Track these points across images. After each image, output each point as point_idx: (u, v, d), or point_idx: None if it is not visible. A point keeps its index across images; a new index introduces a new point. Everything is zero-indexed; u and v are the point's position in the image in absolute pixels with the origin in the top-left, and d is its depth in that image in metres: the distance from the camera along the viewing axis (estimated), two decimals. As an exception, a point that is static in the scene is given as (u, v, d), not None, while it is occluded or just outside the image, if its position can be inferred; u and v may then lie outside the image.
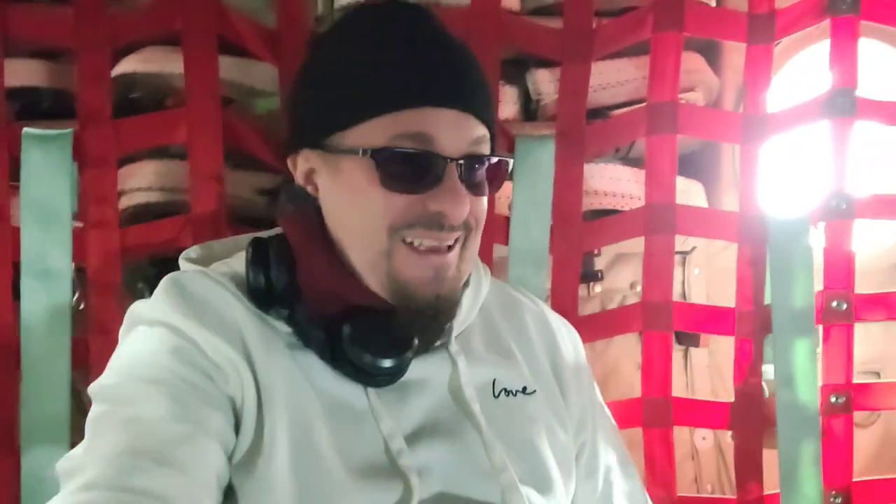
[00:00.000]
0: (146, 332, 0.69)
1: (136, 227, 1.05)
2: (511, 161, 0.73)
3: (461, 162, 0.68)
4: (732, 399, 1.11)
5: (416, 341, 0.70)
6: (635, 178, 1.21)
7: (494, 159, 0.71)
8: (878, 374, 1.26)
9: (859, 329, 1.10)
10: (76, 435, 0.97)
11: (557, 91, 1.12)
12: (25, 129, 0.99)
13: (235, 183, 1.08)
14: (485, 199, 0.72)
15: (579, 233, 1.07)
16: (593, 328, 1.08)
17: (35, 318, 0.98)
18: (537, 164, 1.06)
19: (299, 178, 0.74)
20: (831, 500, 1.09)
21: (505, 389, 0.75)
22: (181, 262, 0.77)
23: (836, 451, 1.10)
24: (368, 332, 0.68)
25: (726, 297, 1.14)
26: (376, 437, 0.69)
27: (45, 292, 0.98)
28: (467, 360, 0.74)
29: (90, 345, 1.01)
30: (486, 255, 1.02)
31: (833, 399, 1.10)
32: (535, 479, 0.74)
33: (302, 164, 0.74)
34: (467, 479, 0.71)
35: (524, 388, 0.76)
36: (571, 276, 1.08)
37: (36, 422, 0.98)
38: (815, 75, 1.14)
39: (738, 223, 1.08)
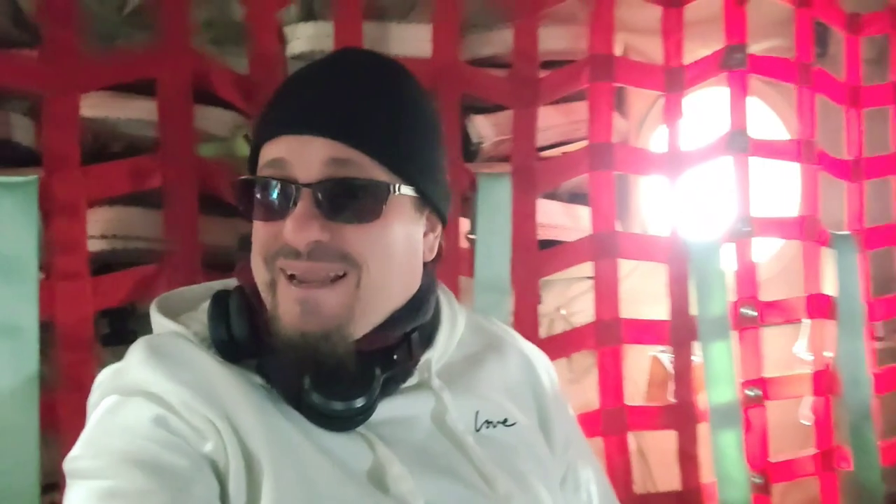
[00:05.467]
0: (120, 402, 0.67)
1: (107, 276, 1.01)
2: (392, 185, 0.69)
3: (315, 186, 0.66)
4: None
5: (378, 379, 0.68)
6: (564, 212, 1.35)
7: (360, 183, 0.67)
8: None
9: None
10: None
11: (496, 134, 1.23)
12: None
13: (210, 230, 1.06)
14: (369, 228, 0.68)
15: (536, 261, 1.18)
16: (554, 348, 1.18)
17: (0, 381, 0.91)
18: (496, 198, 1.15)
19: None
20: (753, 480, 1.27)
21: (487, 421, 0.76)
22: (153, 312, 0.75)
23: (755, 438, 1.28)
24: (327, 376, 0.66)
25: (638, 314, 1.26)
26: (379, 476, 0.68)
27: (12, 352, 0.91)
28: (451, 394, 0.74)
29: (61, 405, 0.95)
30: (451, 286, 1.09)
31: (750, 392, 1.28)
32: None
33: None
34: None
35: (505, 420, 0.77)
36: (532, 301, 1.18)
37: (1, 494, 0.90)
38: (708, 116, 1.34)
39: (666, 246, 1.24)
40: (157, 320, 0.74)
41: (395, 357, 0.71)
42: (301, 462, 0.65)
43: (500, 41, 1.21)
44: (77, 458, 0.64)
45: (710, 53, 1.26)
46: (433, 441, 0.72)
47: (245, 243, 0.73)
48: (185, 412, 0.64)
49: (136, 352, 0.69)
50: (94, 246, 1.07)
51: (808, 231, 1.34)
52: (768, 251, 1.51)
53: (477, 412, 0.76)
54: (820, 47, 1.46)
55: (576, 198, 1.42)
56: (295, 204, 0.66)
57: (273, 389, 0.68)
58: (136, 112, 1.08)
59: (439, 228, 0.78)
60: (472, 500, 0.70)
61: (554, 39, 1.28)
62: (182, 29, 0.99)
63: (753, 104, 1.42)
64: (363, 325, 0.70)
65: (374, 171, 0.68)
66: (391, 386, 0.71)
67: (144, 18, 1.06)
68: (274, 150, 0.68)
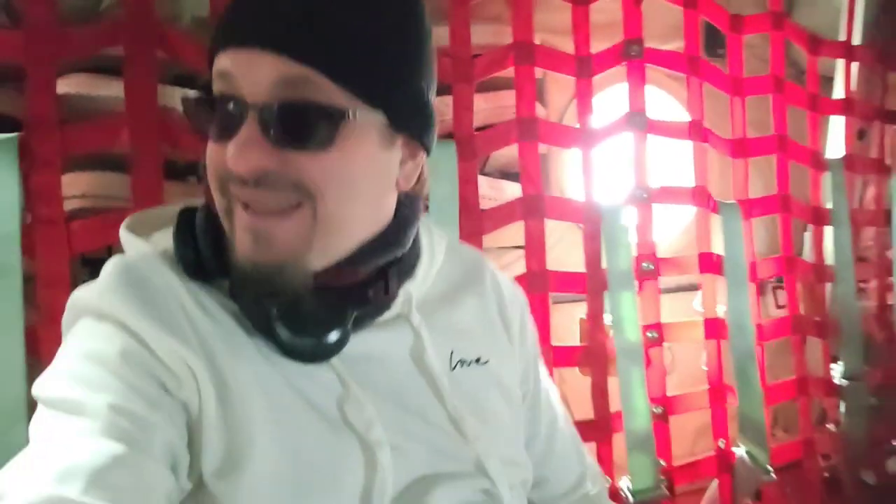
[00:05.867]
0: (93, 327, 0.63)
1: (80, 221, 1.11)
2: (348, 110, 0.61)
3: (261, 109, 0.59)
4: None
5: (350, 316, 0.66)
6: (488, 185, 1.57)
7: (316, 106, 0.59)
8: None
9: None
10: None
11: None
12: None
13: (175, 194, 1.19)
14: (323, 156, 0.60)
15: (479, 219, 1.34)
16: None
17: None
18: (444, 164, 1.31)
19: None
20: (654, 410, 1.48)
21: (461, 360, 0.75)
22: (123, 231, 0.70)
23: (655, 374, 1.50)
24: (294, 309, 0.64)
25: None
26: (351, 418, 0.67)
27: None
28: (428, 331, 0.73)
29: (41, 335, 1.06)
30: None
31: (650, 335, 1.50)
32: (499, 444, 0.75)
33: None
34: (441, 451, 0.71)
35: (478, 359, 0.77)
36: (478, 253, 1.35)
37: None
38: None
39: (582, 209, 1.45)
40: (127, 239, 0.70)
41: (368, 293, 0.68)
42: (277, 402, 0.64)
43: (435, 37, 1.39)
44: (48, 387, 0.61)
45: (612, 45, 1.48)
46: (409, 381, 0.71)
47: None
48: (159, 349, 0.61)
49: (110, 276, 0.65)
50: (75, 204, 1.19)
51: (698, 199, 1.57)
52: (682, 222, 1.76)
53: (452, 351, 0.75)
54: (722, 47, 1.71)
55: (505, 175, 1.64)
56: (240, 125, 0.59)
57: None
58: (114, 91, 1.21)
59: (421, 156, 0.70)
60: (439, 443, 0.71)
61: (482, 35, 1.48)
62: (147, 4, 1.12)
63: (661, 95, 1.66)
64: (323, 259, 0.66)
65: (331, 92, 0.59)
66: (366, 320, 0.69)
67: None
68: (222, 61, 0.60)
